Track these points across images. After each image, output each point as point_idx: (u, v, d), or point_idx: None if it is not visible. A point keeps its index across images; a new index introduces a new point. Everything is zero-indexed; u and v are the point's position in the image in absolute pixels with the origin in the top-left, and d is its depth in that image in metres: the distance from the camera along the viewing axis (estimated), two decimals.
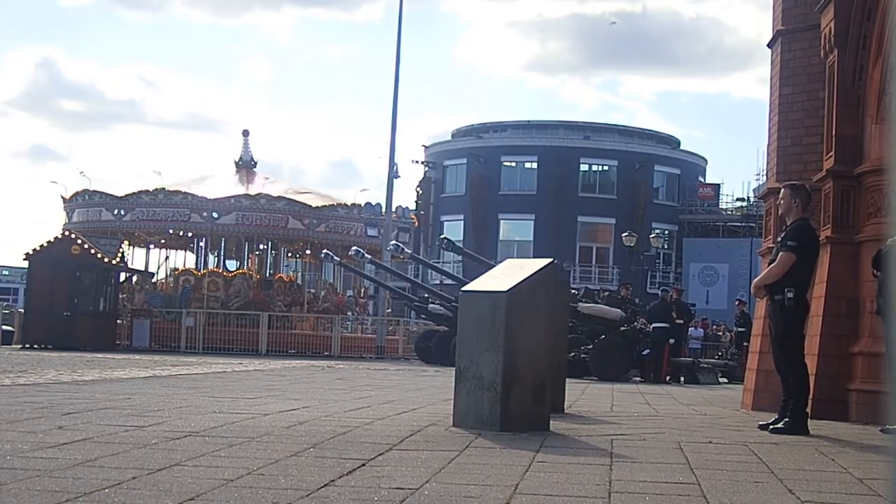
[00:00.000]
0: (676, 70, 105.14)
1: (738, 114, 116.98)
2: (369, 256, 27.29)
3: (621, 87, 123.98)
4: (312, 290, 34.17)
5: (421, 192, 59.29)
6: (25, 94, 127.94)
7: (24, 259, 28.25)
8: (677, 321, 21.17)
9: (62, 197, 33.78)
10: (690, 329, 26.26)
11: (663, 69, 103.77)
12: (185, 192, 31.17)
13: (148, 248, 34.60)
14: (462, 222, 56.44)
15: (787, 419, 7.78)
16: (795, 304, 7.93)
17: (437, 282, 40.55)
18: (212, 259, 33.70)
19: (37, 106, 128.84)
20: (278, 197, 31.54)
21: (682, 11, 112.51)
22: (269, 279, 32.97)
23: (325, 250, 28.39)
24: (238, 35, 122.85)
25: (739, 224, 55.94)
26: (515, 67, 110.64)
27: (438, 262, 43.31)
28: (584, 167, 57.09)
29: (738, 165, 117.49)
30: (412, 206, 49.29)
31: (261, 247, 34.10)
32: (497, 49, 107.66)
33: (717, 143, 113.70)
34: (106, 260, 27.87)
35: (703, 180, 59.50)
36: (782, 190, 8.53)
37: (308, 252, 34.01)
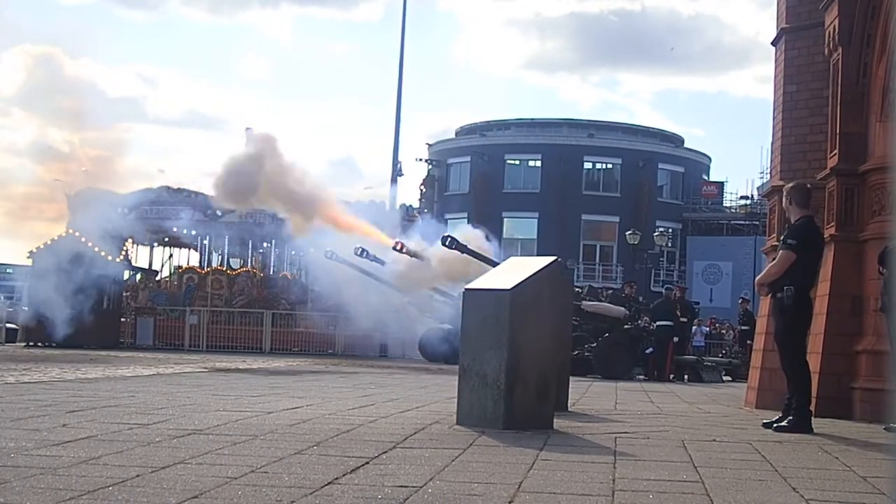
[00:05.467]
0: (675, 68, 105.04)
1: (738, 112, 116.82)
2: (373, 254, 27.29)
3: (620, 86, 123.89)
4: (316, 288, 34.14)
5: (424, 190, 59.30)
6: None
7: (28, 257, 28.29)
8: (681, 319, 21.16)
9: (66, 195, 33.78)
10: (696, 327, 26.24)
11: (662, 67, 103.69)
12: (188, 190, 31.21)
13: (151, 246, 34.60)
14: (466, 220, 56.42)
15: (790, 417, 7.78)
16: (795, 301, 7.92)
17: None
18: (215, 257, 33.71)
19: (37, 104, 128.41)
20: None
21: (680, 10, 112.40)
22: (273, 277, 32.98)
23: (328, 248, 28.37)
24: (236, 34, 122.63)
25: (743, 222, 55.87)
26: (514, 66, 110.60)
27: None
28: (587, 165, 57.06)
29: (741, 163, 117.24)
30: (416, 205, 49.30)
31: (264, 244, 34.10)
32: (495, 47, 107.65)
33: (718, 141, 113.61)
34: (110, 258, 27.90)
35: (707, 178, 59.45)
36: (783, 191, 8.56)
37: (311, 250, 33.96)
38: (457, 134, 62.16)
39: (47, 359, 16.74)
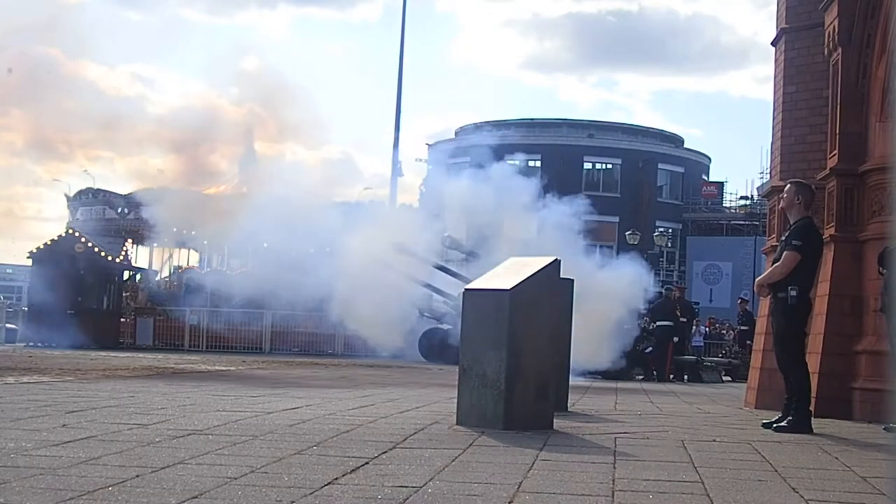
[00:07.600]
0: (673, 68, 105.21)
1: (737, 112, 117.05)
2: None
3: (618, 86, 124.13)
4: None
5: (424, 190, 59.24)
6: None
7: (28, 257, 28.29)
8: (681, 319, 21.16)
9: (66, 195, 33.81)
10: (694, 327, 26.21)
11: (660, 67, 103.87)
12: (188, 191, 31.17)
13: (151, 246, 34.59)
14: None
15: (790, 417, 7.78)
16: (798, 302, 7.92)
17: None
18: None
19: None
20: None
21: (678, 10, 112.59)
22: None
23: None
24: (234, 34, 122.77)
25: (743, 222, 55.87)
26: (512, 66, 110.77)
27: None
28: (587, 165, 57.07)
29: (740, 164, 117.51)
30: (415, 205, 49.20)
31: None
32: (494, 48, 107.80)
33: (717, 141, 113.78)
34: (109, 258, 27.90)
35: (706, 178, 59.45)
36: (787, 186, 8.53)
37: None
38: (456, 134, 62.17)
39: (47, 359, 16.70)
